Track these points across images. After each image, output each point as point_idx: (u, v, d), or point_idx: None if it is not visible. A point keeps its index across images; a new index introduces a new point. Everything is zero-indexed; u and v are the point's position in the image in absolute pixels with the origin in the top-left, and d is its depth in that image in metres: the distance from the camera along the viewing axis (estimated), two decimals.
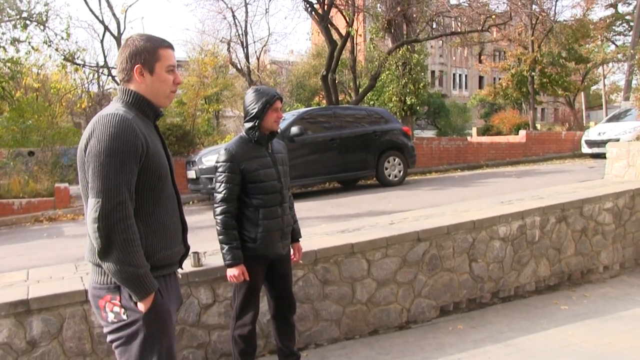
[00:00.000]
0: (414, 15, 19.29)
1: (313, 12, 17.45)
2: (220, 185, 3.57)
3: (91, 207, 2.22)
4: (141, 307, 2.29)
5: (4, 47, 14.54)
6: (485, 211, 5.93)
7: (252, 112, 3.61)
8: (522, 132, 20.46)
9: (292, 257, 3.95)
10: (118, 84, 2.50)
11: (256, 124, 3.61)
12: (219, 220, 3.55)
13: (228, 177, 3.55)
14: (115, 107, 2.36)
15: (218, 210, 3.56)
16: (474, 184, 11.89)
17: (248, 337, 3.68)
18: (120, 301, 2.31)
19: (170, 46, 2.48)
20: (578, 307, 5.47)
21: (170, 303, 2.47)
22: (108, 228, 2.19)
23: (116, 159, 2.22)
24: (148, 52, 2.41)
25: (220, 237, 3.56)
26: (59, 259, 6.45)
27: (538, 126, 28.72)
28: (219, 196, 3.57)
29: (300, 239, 4.03)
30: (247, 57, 22.00)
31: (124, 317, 2.31)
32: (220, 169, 3.59)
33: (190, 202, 12.62)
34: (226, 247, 3.53)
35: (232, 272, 3.53)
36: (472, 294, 5.50)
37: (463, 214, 5.93)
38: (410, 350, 4.56)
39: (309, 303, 4.67)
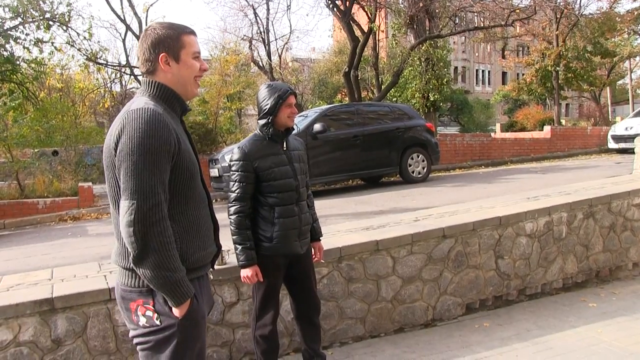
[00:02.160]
0: (437, 11, 19.19)
1: (335, 9, 17.43)
2: (233, 184, 3.52)
3: (125, 209, 2.08)
4: (177, 312, 2.18)
5: (27, 48, 14.66)
6: (511, 207, 5.84)
7: (265, 108, 3.54)
8: (547, 128, 20.21)
9: (313, 256, 3.88)
10: (139, 78, 2.39)
11: (269, 120, 3.53)
12: (232, 220, 3.50)
13: (241, 176, 3.48)
14: (144, 101, 2.21)
15: (232, 209, 3.51)
16: (499, 180, 11.76)
17: (269, 337, 3.63)
18: (153, 305, 2.19)
19: (192, 32, 2.36)
20: (607, 305, 5.36)
21: (204, 306, 2.37)
22: (144, 231, 2.06)
23: (150, 157, 2.08)
24: (172, 40, 2.29)
25: (234, 237, 3.51)
26: (83, 257, 6.50)
27: (563, 122, 28.33)
28: (232, 195, 3.51)
29: (321, 238, 3.95)
30: (268, 54, 22.03)
31: (157, 322, 2.20)
32: (233, 168, 3.53)
33: (214, 200, 12.63)
34: (240, 247, 3.49)
35: (245, 272, 3.50)
36: (498, 291, 5.42)
37: (488, 210, 5.84)
38: (436, 349, 4.49)
39: (334, 301, 4.63)
